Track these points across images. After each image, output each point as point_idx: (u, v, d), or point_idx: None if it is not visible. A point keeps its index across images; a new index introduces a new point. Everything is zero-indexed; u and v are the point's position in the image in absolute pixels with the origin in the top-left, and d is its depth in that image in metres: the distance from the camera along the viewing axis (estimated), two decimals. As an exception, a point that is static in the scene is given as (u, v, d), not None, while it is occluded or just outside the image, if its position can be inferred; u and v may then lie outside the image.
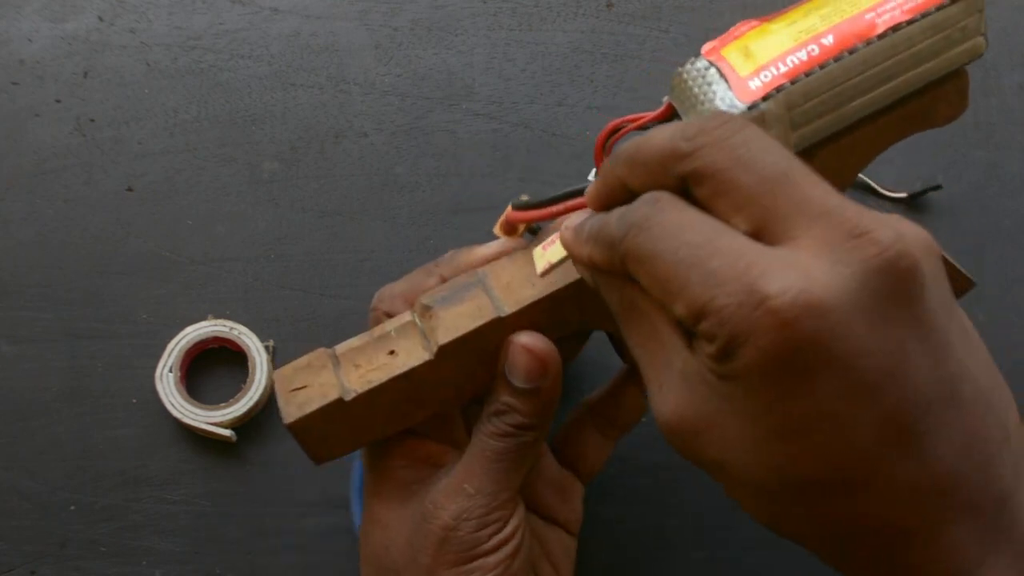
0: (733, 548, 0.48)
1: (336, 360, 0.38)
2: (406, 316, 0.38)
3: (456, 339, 0.36)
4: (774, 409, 0.27)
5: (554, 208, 0.37)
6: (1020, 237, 0.52)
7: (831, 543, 0.30)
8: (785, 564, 0.48)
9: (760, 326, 0.26)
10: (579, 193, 0.36)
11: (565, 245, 0.35)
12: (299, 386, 0.37)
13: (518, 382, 0.37)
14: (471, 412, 0.40)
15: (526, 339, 0.37)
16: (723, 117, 0.29)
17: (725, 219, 0.29)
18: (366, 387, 0.36)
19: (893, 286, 0.27)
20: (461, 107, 0.52)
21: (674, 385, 0.29)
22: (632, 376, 0.42)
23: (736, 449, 0.28)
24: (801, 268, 0.27)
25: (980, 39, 0.36)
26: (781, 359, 0.26)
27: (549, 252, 0.37)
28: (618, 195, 0.32)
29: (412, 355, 0.37)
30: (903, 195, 0.51)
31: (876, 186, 0.51)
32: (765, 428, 0.28)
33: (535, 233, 0.42)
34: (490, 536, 0.36)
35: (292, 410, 0.36)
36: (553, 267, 0.37)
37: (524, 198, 0.40)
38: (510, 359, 0.37)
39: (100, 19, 0.53)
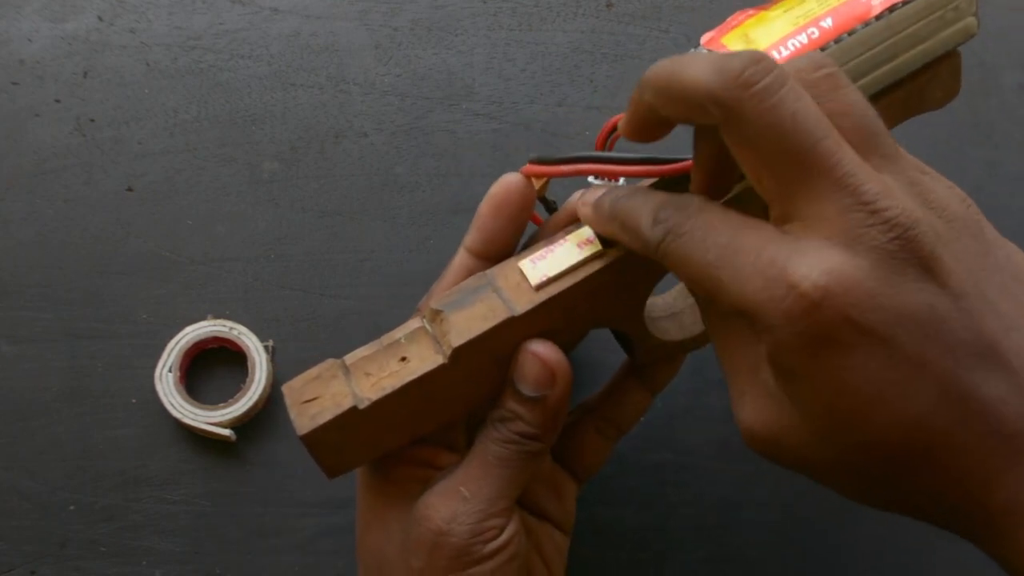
0: (733, 548, 0.48)
1: (346, 370, 0.36)
2: (415, 322, 0.37)
3: (469, 341, 0.35)
4: (824, 396, 0.28)
5: (565, 168, 0.37)
6: (1020, 237, 0.52)
7: (917, 506, 0.31)
8: (785, 564, 0.48)
9: (789, 313, 0.28)
10: (591, 159, 0.36)
11: (584, 220, 0.36)
12: (310, 398, 0.36)
13: (526, 390, 0.36)
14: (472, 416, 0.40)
15: (537, 346, 0.36)
16: (765, 66, 0.29)
17: (749, 173, 0.30)
18: (379, 394, 0.35)
19: (907, 258, 0.28)
20: (461, 107, 0.52)
21: (757, 392, 0.31)
22: (633, 374, 0.42)
23: (810, 449, 0.30)
24: (820, 252, 0.28)
25: (972, 19, 0.37)
26: (817, 340, 0.28)
27: (541, 265, 0.36)
28: (651, 123, 0.33)
29: (425, 360, 0.36)
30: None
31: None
32: (826, 423, 0.29)
33: (551, 211, 0.42)
34: (485, 543, 0.36)
35: (305, 422, 0.35)
36: (551, 280, 0.36)
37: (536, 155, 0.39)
38: (519, 365, 0.36)
39: (100, 19, 0.53)
